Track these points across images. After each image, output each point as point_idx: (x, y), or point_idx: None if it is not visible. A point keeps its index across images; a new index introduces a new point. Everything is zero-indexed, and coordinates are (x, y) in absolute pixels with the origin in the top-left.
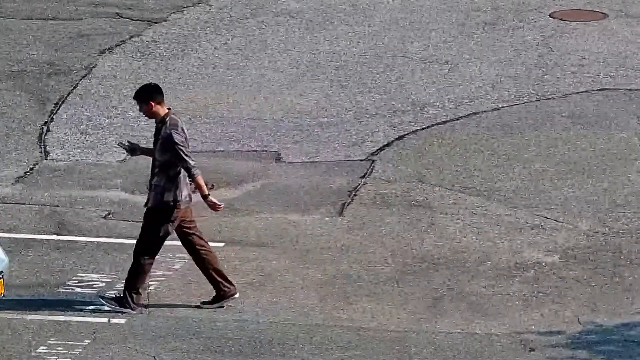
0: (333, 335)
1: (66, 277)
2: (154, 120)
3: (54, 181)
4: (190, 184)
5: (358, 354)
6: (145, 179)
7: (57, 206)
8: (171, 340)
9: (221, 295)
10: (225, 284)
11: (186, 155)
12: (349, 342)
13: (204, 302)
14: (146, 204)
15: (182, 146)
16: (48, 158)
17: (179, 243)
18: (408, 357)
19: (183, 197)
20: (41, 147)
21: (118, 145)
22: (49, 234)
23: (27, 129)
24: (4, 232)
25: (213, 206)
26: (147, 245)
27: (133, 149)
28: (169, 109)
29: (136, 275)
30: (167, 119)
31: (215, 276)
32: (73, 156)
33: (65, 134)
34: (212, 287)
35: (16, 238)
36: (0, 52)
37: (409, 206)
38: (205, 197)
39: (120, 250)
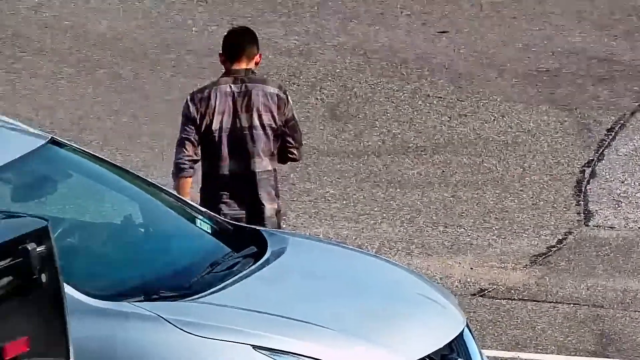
0: None
1: None
2: None
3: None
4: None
5: None
6: None
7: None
8: None
9: None
10: None
11: (180, 139)
12: None
13: None
14: None
15: (182, 123)
16: (590, 223)
17: None
18: None
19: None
20: (581, 205)
21: None
22: None
23: (560, 171)
24: None
25: None
26: None
27: None
28: (230, 71)
29: None
30: None
31: None
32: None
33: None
34: None
35: None
36: (532, 44)
37: None
38: None
39: None
